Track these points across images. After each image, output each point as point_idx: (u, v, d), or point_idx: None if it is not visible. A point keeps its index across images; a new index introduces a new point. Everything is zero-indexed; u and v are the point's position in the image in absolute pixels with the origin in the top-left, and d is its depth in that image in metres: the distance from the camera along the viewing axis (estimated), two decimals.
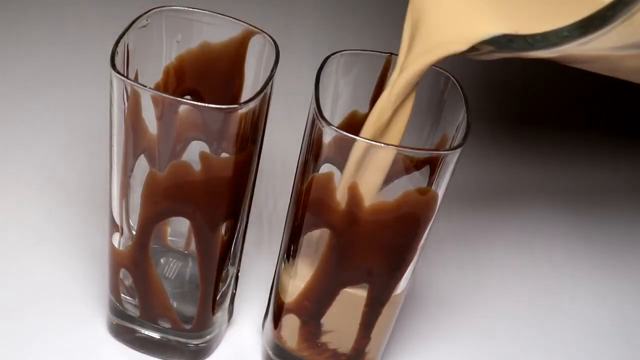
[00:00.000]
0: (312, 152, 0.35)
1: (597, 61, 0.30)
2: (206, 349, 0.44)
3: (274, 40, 0.38)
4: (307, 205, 0.36)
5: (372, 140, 0.33)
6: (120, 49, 0.35)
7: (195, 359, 0.44)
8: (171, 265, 0.43)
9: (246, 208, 0.40)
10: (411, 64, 0.33)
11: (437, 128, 0.39)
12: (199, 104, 0.34)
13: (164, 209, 0.37)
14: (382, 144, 0.33)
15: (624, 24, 0.25)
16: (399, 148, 0.34)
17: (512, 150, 0.65)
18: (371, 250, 0.37)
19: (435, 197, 0.35)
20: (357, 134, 0.34)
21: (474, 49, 0.31)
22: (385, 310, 0.39)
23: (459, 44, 0.31)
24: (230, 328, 0.46)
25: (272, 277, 0.43)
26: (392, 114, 0.34)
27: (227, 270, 0.41)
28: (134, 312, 0.42)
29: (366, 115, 0.40)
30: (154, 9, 0.38)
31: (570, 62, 0.30)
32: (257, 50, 0.39)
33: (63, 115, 0.59)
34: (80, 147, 0.56)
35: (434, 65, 0.33)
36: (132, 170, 0.37)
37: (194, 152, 0.35)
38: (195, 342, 0.43)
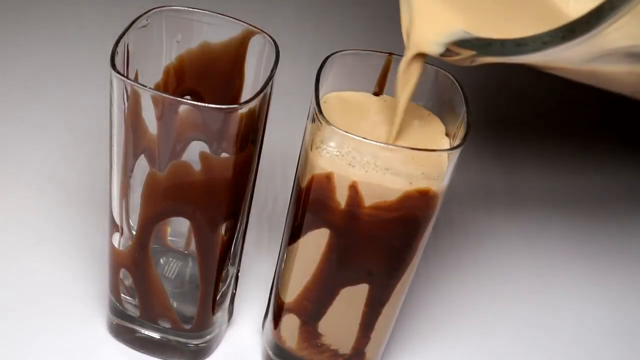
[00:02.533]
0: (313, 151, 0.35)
1: (570, 71, 0.31)
2: (206, 349, 0.44)
3: (274, 40, 0.38)
4: (307, 205, 0.36)
5: (372, 141, 0.33)
6: (120, 49, 0.35)
7: (195, 359, 0.44)
8: (171, 265, 0.43)
9: (246, 208, 0.40)
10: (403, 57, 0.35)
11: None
12: (199, 104, 0.34)
13: (164, 209, 0.37)
14: (383, 144, 0.33)
15: (602, 33, 0.26)
16: (399, 148, 0.34)
17: (512, 150, 0.65)
18: (371, 250, 0.37)
19: (435, 197, 0.35)
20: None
21: (452, 52, 0.33)
22: (385, 310, 0.39)
23: (428, 45, 0.33)
24: (230, 328, 0.46)
25: (272, 277, 0.43)
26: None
27: (227, 270, 0.41)
28: (134, 312, 0.42)
29: None
30: (154, 9, 0.38)
31: (546, 69, 0.31)
32: (257, 50, 0.39)
33: (63, 115, 0.59)
34: (80, 147, 0.56)
35: (426, 62, 0.35)
36: (132, 170, 0.37)
37: (194, 152, 0.35)
38: (195, 342, 0.43)
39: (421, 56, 0.34)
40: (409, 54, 0.34)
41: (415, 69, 0.35)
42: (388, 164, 0.34)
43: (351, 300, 0.39)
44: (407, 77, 0.35)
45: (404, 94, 0.36)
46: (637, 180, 0.65)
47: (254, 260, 0.49)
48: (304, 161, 0.36)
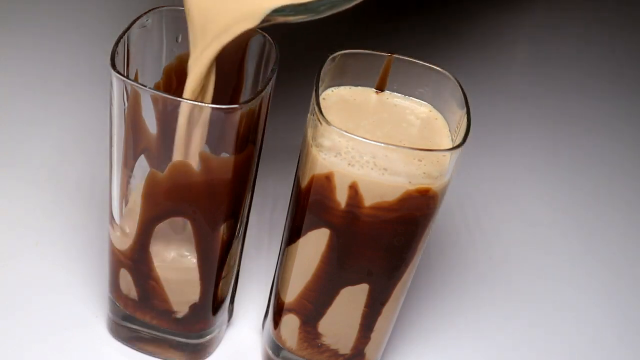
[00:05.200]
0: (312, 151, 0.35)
1: None
2: (206, 349, 0.44)
3: (274, 40, 0.38)
4: (307, 205, 0.36)
5: (371, 140, 0.33)
6: (120, 49, 0.35)
7: (195, 359, 0.44)
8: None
9: (246, 208, 0.40)
10: (206, 51, 0.35)
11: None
12: (199, 103, 0.34)
13: (164, 209, 0.37)
14: (383, 144, 0.33)
15: None
16: (400, 147, 0.34)
17: (512, 150, 0.65)
18: (371, 250, 0.37)
19: (435, 196, 0.35)
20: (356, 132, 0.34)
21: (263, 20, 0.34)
22: (385, 310, 0.39)
23: (251, 20, 0.34)
24: (230, 328, 0.46)
25: (272, 277, 0.43)
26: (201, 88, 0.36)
27: (227, 270, 0.41)
28: (134, 311, 0.42)
29: None
30: (154, 9, 0.38)
31: None
32: (257, 50, 0.39)
33: (63, 115, 0.59)
34: (80, 147, 0.56)
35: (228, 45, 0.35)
36: (132, 170, 0.37)
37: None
38: (195, 341, 0.43)
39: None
40: (226, 39, 0.34)
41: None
42: (388, 164, 0.34)
43: (351, 300, 0.39)
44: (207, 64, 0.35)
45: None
46: (638, 179, 0.65)
47: (254, 260, 0.49)
48: (304, 161, 0.37)
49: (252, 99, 0.34)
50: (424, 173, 0.34)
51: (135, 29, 0.36)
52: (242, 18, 0.34)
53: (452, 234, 0.55)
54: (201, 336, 0.43)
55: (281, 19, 0.34)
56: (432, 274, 0.52)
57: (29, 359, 0.42)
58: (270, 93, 0.36)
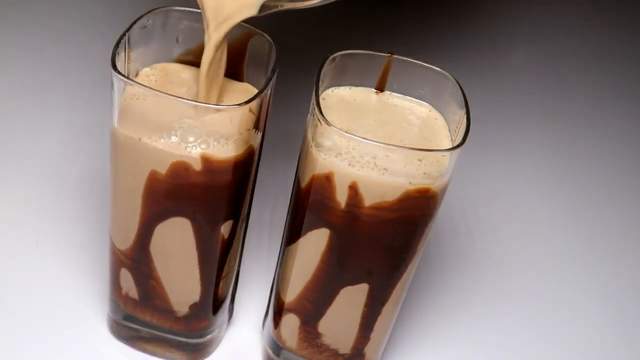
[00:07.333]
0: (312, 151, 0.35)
1: None
2: (206, 349, 0.44)
3: (274, 41, 0.38)
4: (307, 205, 0.37)
5: (372, 140, 0.33)
6: (120, 49, 0.35)
7: (195, 359, 0.44)
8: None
9: (246, 208, 0.40)
10: (210, 38, 0.35)
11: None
12: (199, 103, 0.34)
13: (164, 209, 0.37)
14: (383, 144, 0.33)
15: None
16: (400, 147, 0.34)
17: (512, 150, 0.65)
18: (371, 250, 0.37)
19: (435, 196, 0.35)
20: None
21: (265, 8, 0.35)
22: (385, 310, 0.39)
23: (251, 8, 0.35)
24: (230, 328, 0.46)
25: (272, 277, 0.43)
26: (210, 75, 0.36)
27: (227, 270, 0.41)
28: (134, 311, 0.42)
29: None
30: (154, 9, 0.38)
31: None
32: (257, 50, 0.39)
33: (63, 115, 0.59)
34: (80, 147, 0.56)
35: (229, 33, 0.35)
36: None
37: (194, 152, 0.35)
38: (196, 341, 0.43)
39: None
40: (225, 27, 0.35)
41: (224, 44, 0.35)
42: (388, 164, 0.34)
43: (351, 300, 0.39)
44: (219, 54, 0.35)
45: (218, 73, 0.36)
46: (638, 179, 0.65)
47: (254, 260, 0.49)
48: (304, 161, 0.37)
49: (252, 99, 0.34)
50: (424, 173, 0.34)
51: (135, 29, 0.37)
52: (243, 6, 0.34)
53: (452, 234, 0.55)
54: (201, 336, 0.43)
55: (289, 5, 0.34)
56: (432, 274, 0.52)
57: (29, 359, 0.42)
58: (270, 93, 0.36)
